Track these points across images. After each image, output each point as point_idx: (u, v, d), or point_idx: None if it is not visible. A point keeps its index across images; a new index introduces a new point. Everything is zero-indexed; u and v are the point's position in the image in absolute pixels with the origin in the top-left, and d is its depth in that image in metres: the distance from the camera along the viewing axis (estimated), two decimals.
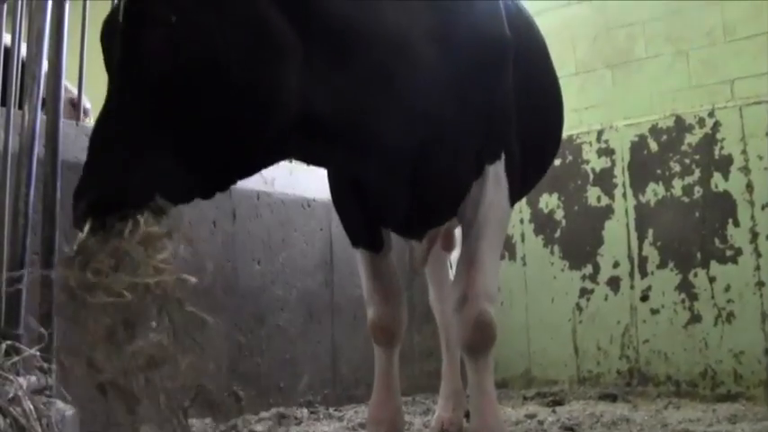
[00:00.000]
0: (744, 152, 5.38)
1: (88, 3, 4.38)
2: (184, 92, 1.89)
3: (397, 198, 2.79)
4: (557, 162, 6.05)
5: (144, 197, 1.86)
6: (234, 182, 2.13)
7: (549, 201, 6.10)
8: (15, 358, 2.27)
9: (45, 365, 2.37)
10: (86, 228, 1.79)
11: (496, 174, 2.80)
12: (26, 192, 2.78)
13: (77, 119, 4.31)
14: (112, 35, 1.96)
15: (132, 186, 1.85)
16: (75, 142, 4.00)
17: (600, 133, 5.99)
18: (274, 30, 2.01)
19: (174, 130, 1.89)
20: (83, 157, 3.93)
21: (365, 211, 3.02)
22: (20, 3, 3.76)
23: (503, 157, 2.81)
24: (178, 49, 1.86)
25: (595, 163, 5.96)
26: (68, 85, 3.89)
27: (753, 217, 5.25)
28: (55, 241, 2.82)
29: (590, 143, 6.01)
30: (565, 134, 6.05)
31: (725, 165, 5.43)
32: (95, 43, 4.22)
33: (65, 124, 3.35)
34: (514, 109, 2.89)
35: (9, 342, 2.41)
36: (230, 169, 2.06)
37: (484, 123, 2.75)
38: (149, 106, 1.88)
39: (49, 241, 2.80)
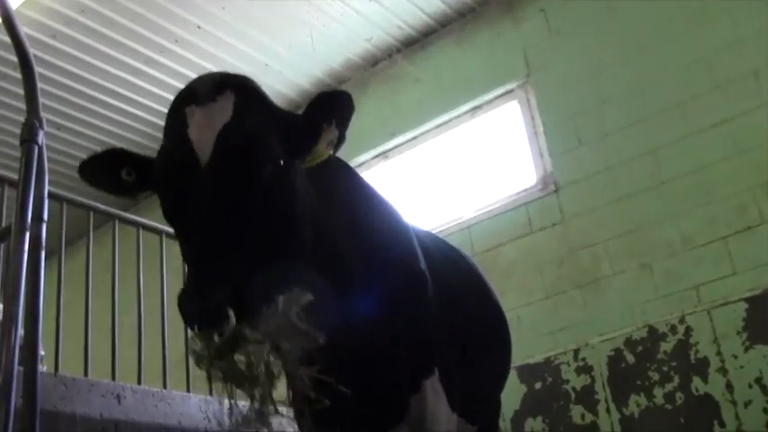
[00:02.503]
0: (719, 353, 5.74)
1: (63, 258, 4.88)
2: (277, 209, 2.45)
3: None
4: (537, 385, 6.38)
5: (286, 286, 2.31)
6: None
7: (533, 424, 6.34)
8: None
9: None
10: (232, 315, 2.13)
11: (433, 387, 3.14)
12: None
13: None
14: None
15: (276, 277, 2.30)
16: (54, 392, 4.31)
17: (576, 352, 6.35)
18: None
19: (273, 232, 2.42)
20: (61, 406, 4.26)
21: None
22: None
23: (436, 372, 3.17)
24: (280, 176, 2.47)
25: (575, 381, 6.26)
26: None
27: (737, 416, 5.52)
28: None
29: (568, 363, 6.35)
30: (542, 357, 6.50)
31: (702, 368, 5.77)
32: (72, 294, 4.67)
33: (43, 375, 3.62)
34: (438, 332, 3.28)
35: None
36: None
37: (409, 341, 3.14)
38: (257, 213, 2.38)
39: None
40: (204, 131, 2.38)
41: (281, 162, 2.46)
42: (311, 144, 2.59)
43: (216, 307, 2.11)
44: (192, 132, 2.39)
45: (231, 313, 2.11)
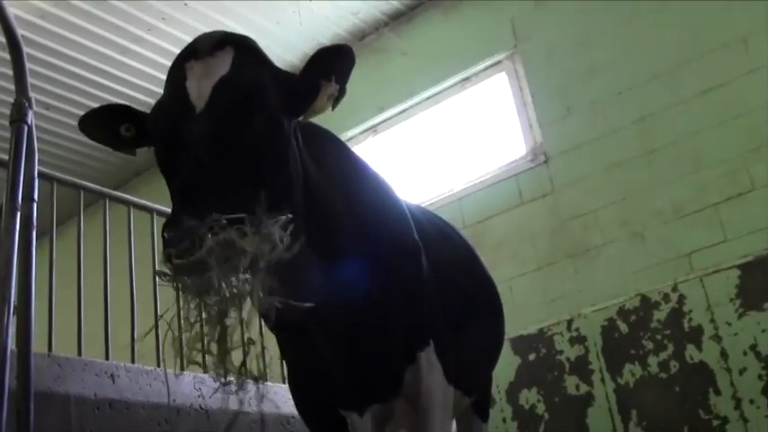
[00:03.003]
0: (712, 320, 5.76)
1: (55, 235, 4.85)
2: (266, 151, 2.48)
3: (331, 358, 3.11)
4: (531, 356, 6.40)
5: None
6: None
7: (528, 396, 6.36)
8: None
9: None
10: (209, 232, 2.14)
11: (428, 359, 3.16)
12: None
13: None
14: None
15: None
16: (47, 373, 4.29)
17: (570, 322, 6.37)
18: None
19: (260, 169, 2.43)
20: (55, 386, 4.25)
21: (317, 390, 3.29)
22: None
23: (431, 343, 3.18)
24: (273, 126, 2.52)
25: (569, 352, 6.29)
26: None
27: (732, 383, 5.55)
28: None
29: (561, 333, 6.37)
30: (535, 328, 6.51)
31: (696, 336, 5.79)
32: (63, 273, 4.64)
33: (36, 356, 3.60)
34: (433, 304, 3.28)
35: None
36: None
37: (404, 312, 3.14)
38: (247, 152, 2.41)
39: None
40: (202, 82, 2.44)
41: (276, 114, 2.52)
42: (309, 100, 2.64)
43: (196, 228, 2.13)
44: (189, 83, 2.45)
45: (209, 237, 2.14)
